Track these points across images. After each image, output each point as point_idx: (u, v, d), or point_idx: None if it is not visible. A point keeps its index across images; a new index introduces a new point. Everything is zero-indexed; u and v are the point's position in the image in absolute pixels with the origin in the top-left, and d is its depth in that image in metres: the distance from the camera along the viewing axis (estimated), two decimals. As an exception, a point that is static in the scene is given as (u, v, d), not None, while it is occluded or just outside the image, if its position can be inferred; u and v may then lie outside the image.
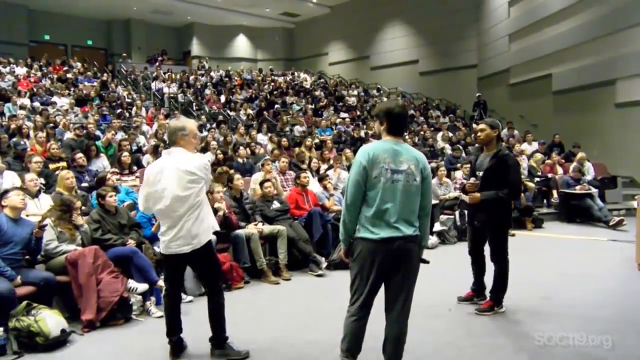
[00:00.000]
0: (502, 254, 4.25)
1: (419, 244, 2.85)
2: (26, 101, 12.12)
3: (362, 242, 2.79)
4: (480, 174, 4.26)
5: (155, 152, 8.24)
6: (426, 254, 2.97)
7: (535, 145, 11.45)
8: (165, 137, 10.23)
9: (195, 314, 4.56)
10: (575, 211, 8.92)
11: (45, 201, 5.27)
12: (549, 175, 9.79)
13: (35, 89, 13.38)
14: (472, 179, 4.32)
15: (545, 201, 9.72)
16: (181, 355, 3.57)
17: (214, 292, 3.55)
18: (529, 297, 4.65)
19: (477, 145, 4.77)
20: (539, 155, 10.27)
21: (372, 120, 14.35)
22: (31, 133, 8.72)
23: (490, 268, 4.38)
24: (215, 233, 3.74)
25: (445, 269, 5.77)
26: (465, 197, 4.41)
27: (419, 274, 2.87)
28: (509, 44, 15.92)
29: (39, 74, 15.68)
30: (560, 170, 10.07)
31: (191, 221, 3.34)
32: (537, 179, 9.62)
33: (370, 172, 2.75)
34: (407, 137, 12.37)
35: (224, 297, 3.56)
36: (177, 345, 3.56)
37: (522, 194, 8.31)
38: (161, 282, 4.70)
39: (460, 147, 10.86)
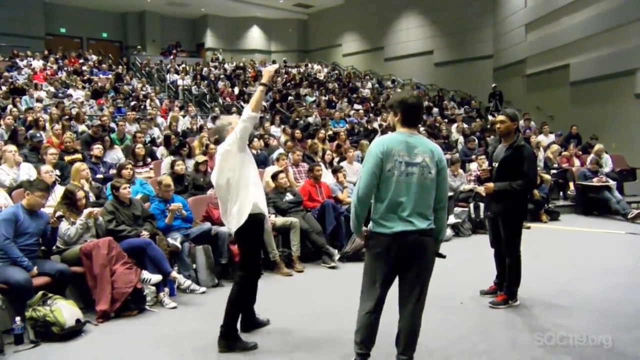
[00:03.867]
0: (514, 247, 4.19)
1: (436, 238, 2.81)
2: (43, 94, 12.25)
3: (376, 236, 2.76)
4: (483, 166, 4.21)
5: (168, 144, 8.29)
6: (441, 247, 2.93)
7: (552, 137, 11.29)
8: (179, 130, 10.32)
9: (208, 305, 4.59)
10: (593, 204, 8.78)
11: (61, 193, 5.31)
12: (566, 166, 9.64)
13: (51, 82, 13.52)
14: (485, 166, 4.26)
15: (561, 193, 9.58)
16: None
17: (235, 282, 3.61)
18: (544, 291, 4.59)
19: (494, 136, 4.74)
20: (555, 147, 10.12)
21: (387, 112, 14.26)
22: (47, 125, 8.82)
23: None
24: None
25: (459, 262, 5.72)
26: (480, 189, 4.37)
27: (435, 268, 2.83)
28: (525, 34, 15.65)
29: (55, 66, 15.83)
30: (577, 162, 9.91)
31: (224, 202, 3.52)
32: (553, 171, 9.49)
33: (385, 165, 2.70)
34: (421, 128, 12.27)
35: (241, 290, 3.54)
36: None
37: (536, 187, 8.22)
38: (174, 274, 4.75)
39: (475, 139, 10.73)
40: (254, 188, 3.47)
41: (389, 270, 2.76)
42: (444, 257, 2.89)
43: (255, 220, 3.45)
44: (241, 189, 3.41)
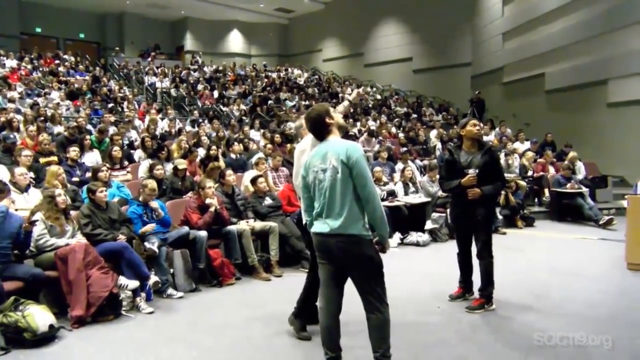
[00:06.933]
0: (490, 248, 4.30)
1: (362, 237, 2.81)
2: (16, 94, 12.00)
3: (313, 235, 2.98)
4: (471, 171, 4.25)
5: (145, 147, 8.20)
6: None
7: (527, 144, 11.49)
8: (157, 133, 10.22)
9: (185, 310, 4.56)
10: (567, 210, 8.96)
11: (35, 195, 5.21)
12: (541, 173, 9.82)
13: (25, 82, 13.26)
14: (471, 171, 4.27)
15: (536, 200, 9.76)
16: None
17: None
18: (520, 295, 4.67)
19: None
20: (530, 154, 10.30)
21: (364, 117, 14.36)
22: (21, 127, 8.64)
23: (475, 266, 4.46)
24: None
25: (436, 267, 5.79)
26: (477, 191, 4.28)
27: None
28: (502, 42, 15.94)
29: (29, 66, 15.51)
30: (552, 169, 10.10)
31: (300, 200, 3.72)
32: (528, 178, 9.65)
33: (308, 178, 2.95)
34: (400, 134, 12.39)
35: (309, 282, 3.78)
36: None
37: (512, 193, 8.43)
38: (154, 278, 4.70)
39: (453, 145, 10.85)
40: None
41: (327, 269, 2.92)
42: (384, 252, 2.92)
43: None
44: None
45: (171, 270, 5.08)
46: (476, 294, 4.44)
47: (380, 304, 2.82)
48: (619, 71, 11.31)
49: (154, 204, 5.30)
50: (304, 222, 3.19)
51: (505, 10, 15.75)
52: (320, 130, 2.99)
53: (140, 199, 5.34)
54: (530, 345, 3.54)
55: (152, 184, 5.36)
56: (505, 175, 7.25)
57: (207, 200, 5.53)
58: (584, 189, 8.90)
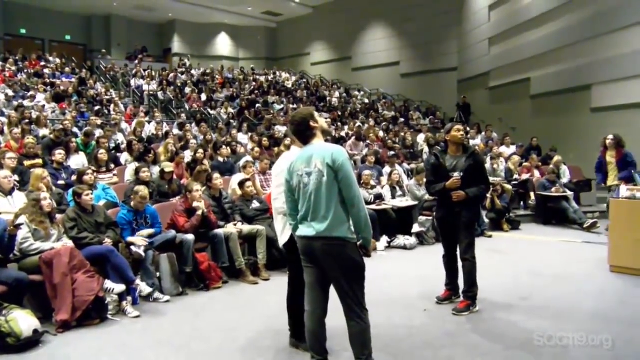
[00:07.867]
0: (473, 250, 4.37)
1: (359, 236, 2.84)
2: (1, 96, 11.85)
3: (297, 239, 2.98)
4: (456, 174, 4.32)
5: (132, 150, 8.15)
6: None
7: (513, 148, 11.60)
8: (144, 136, 10.16)
9: (172, 314, 4.53)
10: (552, 213, 9.06)
11: (19, 199, 5.15)
12: (527, 177, 9.92)
13: (10, 84, 13.09)
14: (456, 174, 4.34)
15: (522, 203, 9.86)
16: None
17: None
18: (505, 297, 4.71)
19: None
20: (516, 158, 10.40)
21: (352, 121, 14.40)
22: (5, 129, 8.54)
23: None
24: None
25: (423, 270, 5.83)
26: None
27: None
28: (489, 47, 16.12)
29: (14, 68, 15.32)
30: (537, 173, 10.21)
31: None
32: (513, 182, 9.75)
33: (292, 182, 2.94)
34: (387, 139, 12.44)
35: (289, 293, 3.59)
36: None
37: (498, 197, 8.54)
38: (139, 282, 4.67)
39: (439, 149, 10.91)
40: None
41: (312, 272, 2.92)
42: (368, 255, 2.94)
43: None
44: None
45: (158, 274, 5.05)
46: (462, 297, 4.48)
47: (361, 310, 2.83)
48: (601, 77, 11.49)
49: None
50: (278, 235, 3.18)
51: (492, 16, 15.93)
52: (304, 133, 2.99)
53: (132, 204, 5.29)
54: (515, 346, 3.58)
55: (144, 191, 5.27)
56: (492, 179, 7.37)
57: (195, 204, 5.51)
58: (569, 193, 9.02)
